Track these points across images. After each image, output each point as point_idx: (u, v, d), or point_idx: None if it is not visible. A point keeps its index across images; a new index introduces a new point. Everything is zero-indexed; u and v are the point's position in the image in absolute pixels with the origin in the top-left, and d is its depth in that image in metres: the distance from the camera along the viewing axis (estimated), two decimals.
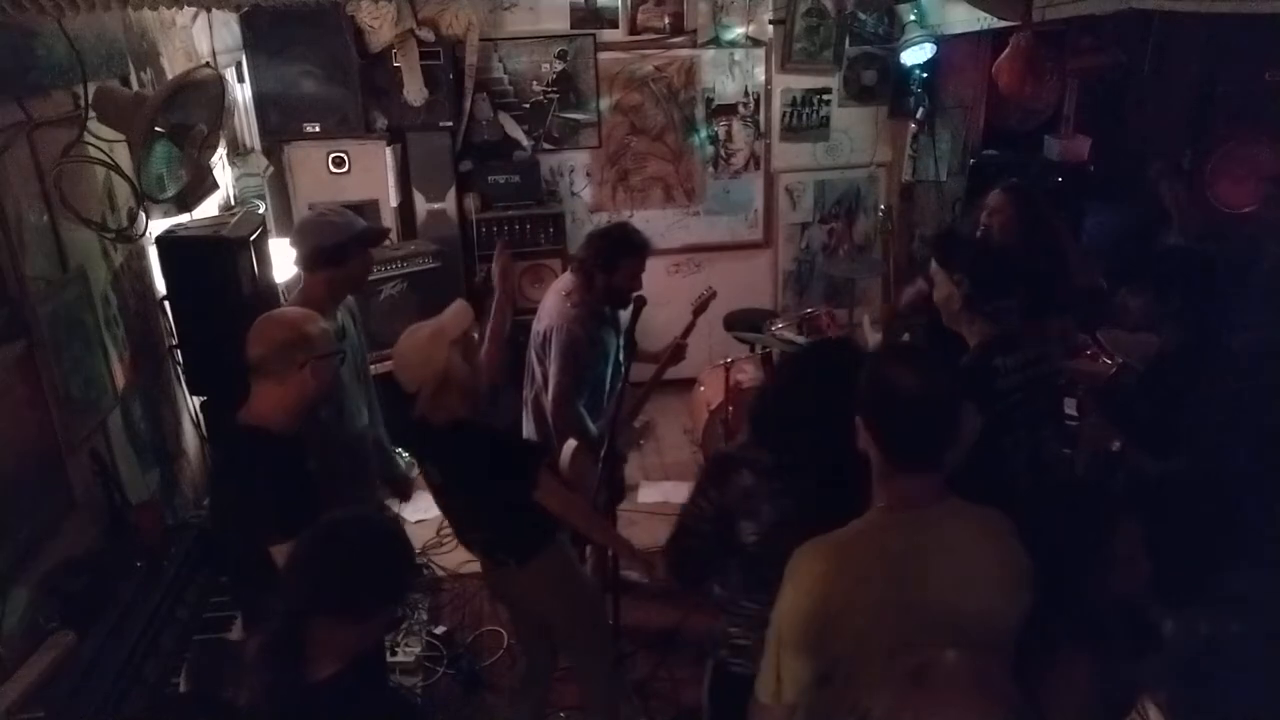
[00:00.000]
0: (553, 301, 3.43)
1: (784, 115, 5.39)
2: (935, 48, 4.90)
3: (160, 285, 3.25)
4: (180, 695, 2.25)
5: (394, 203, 4.74)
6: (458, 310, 2.58)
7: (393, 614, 1.79)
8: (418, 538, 4.22)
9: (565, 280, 3.49)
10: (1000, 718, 1.17)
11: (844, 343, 2.33)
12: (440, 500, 2.73)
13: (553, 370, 3.34)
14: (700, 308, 3.64)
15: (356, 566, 1.71)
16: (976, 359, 2.53)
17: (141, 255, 3.19)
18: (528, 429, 3.67)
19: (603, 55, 5.12)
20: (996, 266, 2.65)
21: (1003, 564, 1.68)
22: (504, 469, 2.53)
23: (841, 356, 2.10)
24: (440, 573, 4.02)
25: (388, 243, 4.66)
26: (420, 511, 4.33)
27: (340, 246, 2.81)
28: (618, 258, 3.28)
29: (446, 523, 2.81)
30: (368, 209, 4.59)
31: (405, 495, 3.34)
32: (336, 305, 2.86)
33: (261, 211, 3.87)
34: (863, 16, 5.19)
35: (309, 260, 2.84)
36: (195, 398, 3.39)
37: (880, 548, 1.65)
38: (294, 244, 2.94)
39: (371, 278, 4.38)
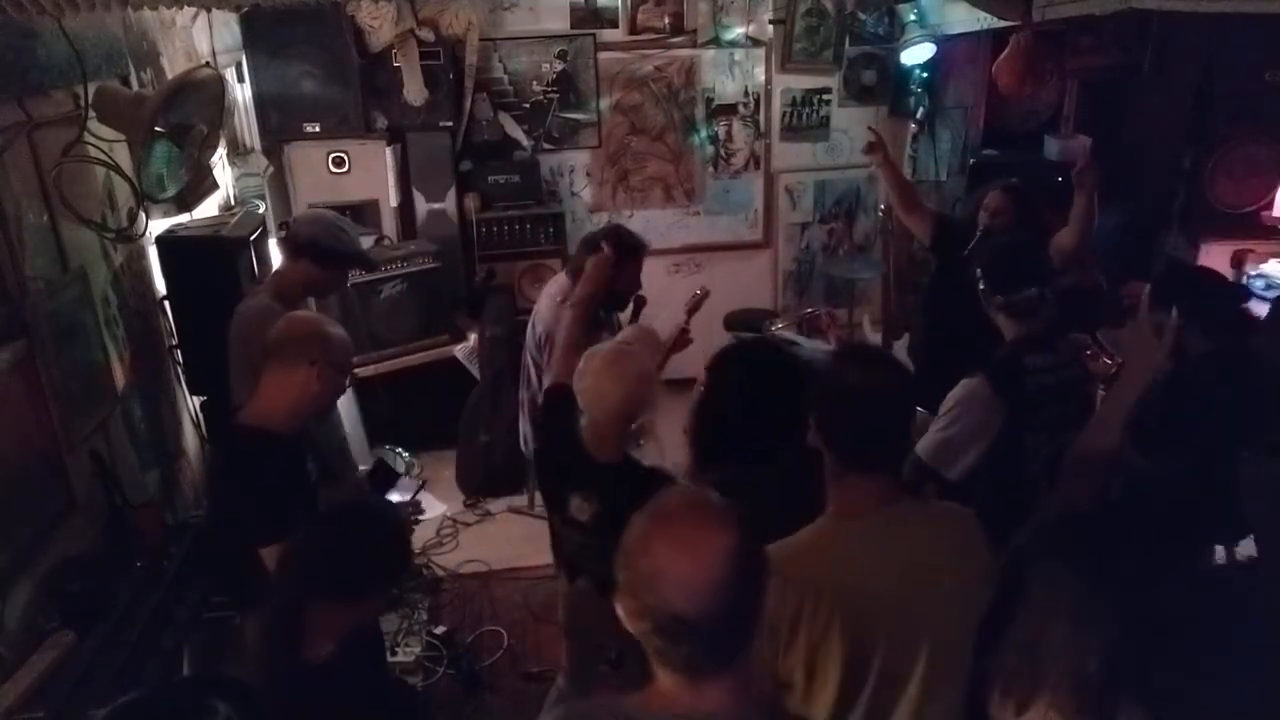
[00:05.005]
0: (546, 305, 3.41)
1: (784, 115, 5.39)
2: (935, 48, 4.90)
3: (160, 285, 3.26)
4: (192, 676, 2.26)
5: (394, 203, 4.74)
6: (654, 343, 2.50)
7: (389, 594, 1.86)
8: (417, 538, 4.21)
9: (559, 283, 3.45)
10: (724, 539, 1.19)
11: (761, 341, 2.25)
12: (576, 534, 2.44)
13: (549, 376, 3.33)
14: (693, 308, 3.61)
15: (352, 549, 1.77)
16: (1007, 356, 2.55)
17: (141, 255, 3.19)
18: (524, 429, 3.67)
19: (603, 55, 5.11)
20: (1011, 260, 2.65)
21: (960, 565, 1.63)
22: None
23: (764, 355, 2.10)
24: (440, 573, 4.02)
25: (387, 242, 4.67)
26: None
27: (336, 253, 2.85)
28: (618, 264, 3.24)
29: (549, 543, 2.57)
30: (368, 209, 4.60)
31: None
32: (300, 302, 2.86)
33: (261, 211, 3.87)
34: (863, 16, 5.19)
35: (303, 246, 2.83)
36: (195, 398, 3.39)
37: (830, 556, 1.61)
38: (297, 226, 2.95)
39: (372, 277, 4.42)
